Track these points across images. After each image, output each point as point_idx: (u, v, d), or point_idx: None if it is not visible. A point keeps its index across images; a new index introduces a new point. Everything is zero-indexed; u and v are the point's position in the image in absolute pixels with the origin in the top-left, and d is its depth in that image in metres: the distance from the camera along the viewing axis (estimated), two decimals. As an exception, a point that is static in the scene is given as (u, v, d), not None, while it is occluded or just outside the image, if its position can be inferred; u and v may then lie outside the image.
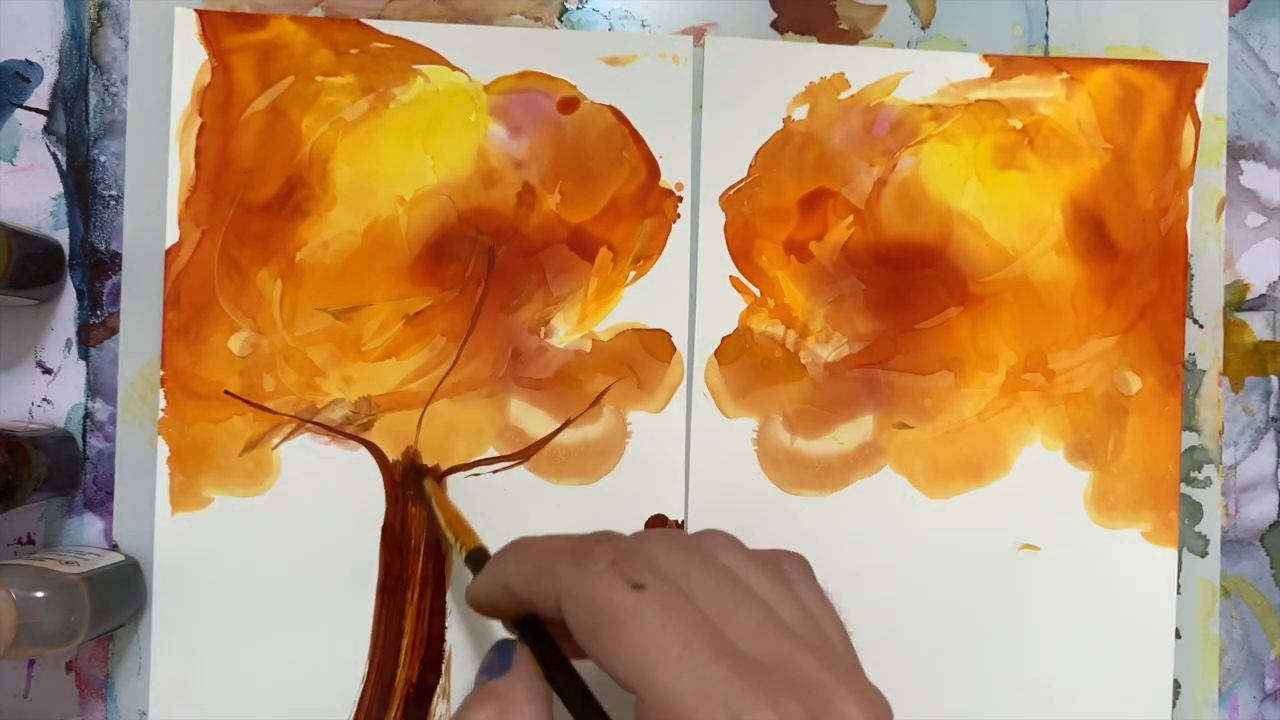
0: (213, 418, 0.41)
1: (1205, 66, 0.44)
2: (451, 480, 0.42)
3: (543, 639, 0.27)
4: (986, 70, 0.44)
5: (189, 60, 0.42)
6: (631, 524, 0.42)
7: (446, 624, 0.42)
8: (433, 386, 0.42)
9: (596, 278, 0.43)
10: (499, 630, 0.41)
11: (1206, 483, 0.45)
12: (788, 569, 0.27)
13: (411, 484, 0.42)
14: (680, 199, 0.43)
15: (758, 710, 0.21)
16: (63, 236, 0.42)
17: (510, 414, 0.42)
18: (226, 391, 0.41)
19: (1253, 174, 0.45)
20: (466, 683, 0.41)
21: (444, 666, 0.41)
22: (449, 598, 0.42)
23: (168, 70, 0.42)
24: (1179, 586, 0.44)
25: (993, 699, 0.43)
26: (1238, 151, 0.45)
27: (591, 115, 0.43)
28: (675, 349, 0.43)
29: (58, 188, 0.42)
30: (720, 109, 0.43)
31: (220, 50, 0.42)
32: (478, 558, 0.35)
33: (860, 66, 0.44)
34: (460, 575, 0.42)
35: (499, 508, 0.42)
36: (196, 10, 0.42)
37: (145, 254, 0.42)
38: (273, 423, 0.41)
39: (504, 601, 0.27)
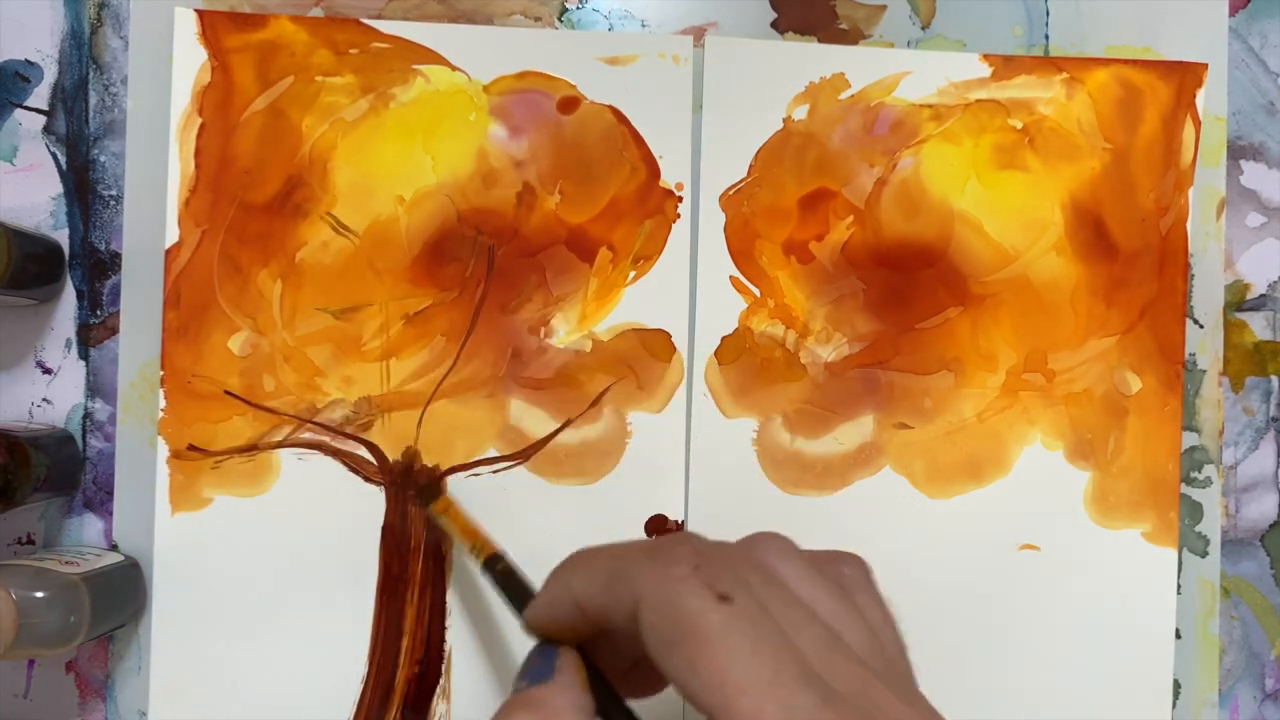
0: (213, 418, 0.41)
1: (1205, 66, 0.44)
2: (451, 480, 0.42)
3: (591, 669, 0.26)
4: (986, 70, 0.44)
5: (189, 60, 0.42)
6: (632, 524, 0.42)
7: (446, 624, 0.42)
8: (433, 386, 0.42)
9: (596, 278, 0.43)
10: (500, 632, 0.41)
11: (1206, 483, 0.45)
12: (847, 573, 0.26)
13: (421, 504, 0.41)
14: (680, 199, 0.43)
15: None
16: (63, 236, 0.42)
17: (510, 414, 0.42)
18: (226, 391, 0.41)
19: (1253, 174, 0.45)
20: (467, 683, 0.41)
21: (444, 666, 0.41)
22: (449, 598, 0.42)
23: (168, 70, 0.42)
24: (1179, 586, 0.44)
25: (993, 699, 0.43)
26: (1238, 151, 0.45)
27: (591, 115, 0.43)
28: (675, 349, 0.43)
29: (58, 188, 0.42)
30: (720, 109, 0.43)
31: (220, 50, 0.42)
32: (495, 565, 0.34)
33: (860, 66, 0.44)
34: (461, 575, 0.42)
35: (499, 508, 0.42)
36: (196, 10, 0.42)
37: (145, 254, 0.42)
38: (273, 423, 0.41)
39: (569, 619, 0.25)
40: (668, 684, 0.27)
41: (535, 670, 0.25)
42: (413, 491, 0.42)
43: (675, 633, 0.22)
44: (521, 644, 0.41)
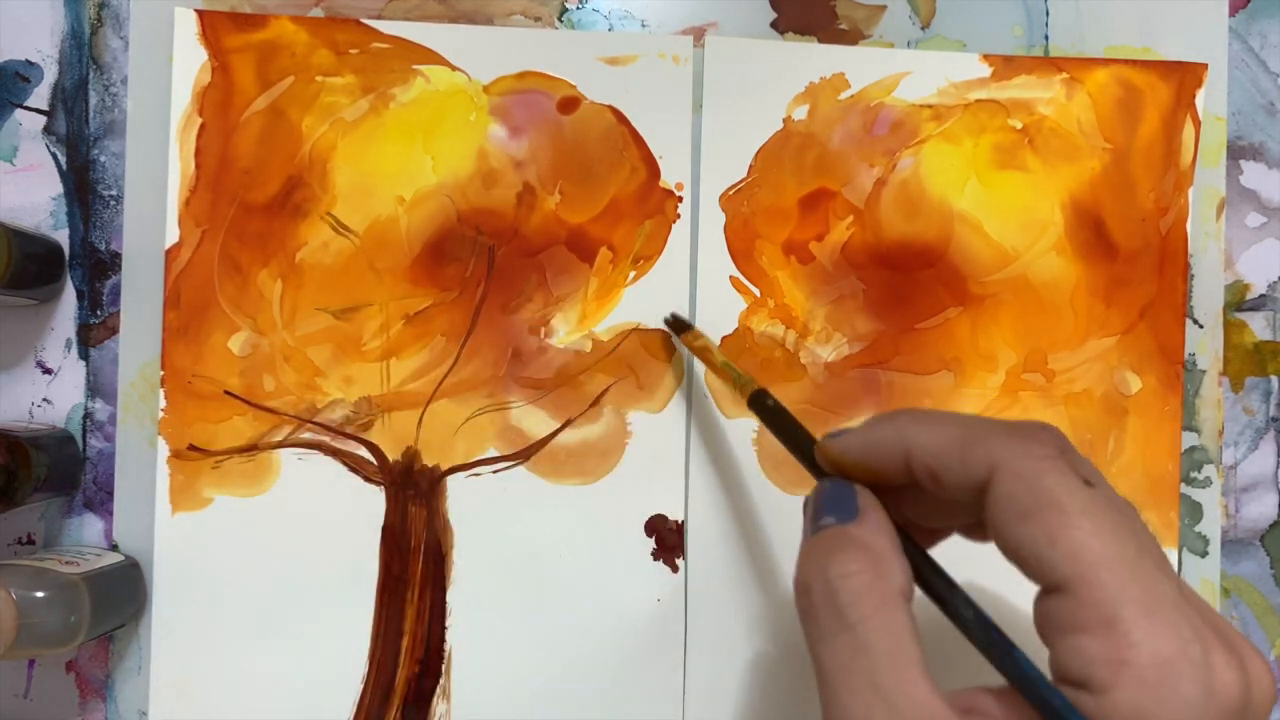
0: (213, 418, 0.41)
1: (1205, 66, 0.44)
2: (451, 480, 0.42)
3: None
4: (986, 70, 0.44)
5: (189, 60, 0.42)
6: (631, 524, 0.42)
7: (446, 624, 0.42)
8: (433, 386, 0.42)
9: (596, 278, 0.43)
10: (500, 632, 0.41)
11: (1206, 483, 0.45)
12: None
13: (673, 332, 0.42)
14: (680, 199, 0.43)
15: (1208, 639, 0.21)
16: (63, 236, 0.42)
17: (510, 414, 0.42)
18: (226, 391, 0.41)
19: (1253, 174, 0.45)
20: (467, 682, 0.41)
21: (444, 666, 0.41)
22: (449, 598, 0.42)
23: (168, 70, 0.42)
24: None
25: (993, 699, 0.43)
26: (1238, 151, 0.45)
27: (591, 115, 0.43)
28: (675, 349, 0.43)
29: (58, 188, 0.42)
30: (720, 109, 0.43)
31: (220, 50, 0.42)
32: (763, 400, 0.34)
33: (860, 66, 0.44)
34: (461, 575, 0.42)
35: (499, 508, 0.42)
36: (196, 10, 0.42)
37: (145, 254, 0.42)
38: (273, 423, 0.41)
39: (886, 463, 0.26)
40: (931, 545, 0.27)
41: (838, 508, 0.25)
42: (666, 322, 0.42)
43: (1035, 504, 0.22)
44: (524, 643, 0.42)
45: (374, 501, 0.42)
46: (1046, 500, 0.22)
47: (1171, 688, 0.20)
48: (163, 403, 0.41)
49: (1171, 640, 0.21)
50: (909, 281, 0.43)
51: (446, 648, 0.42)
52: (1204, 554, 0.45)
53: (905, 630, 0.23)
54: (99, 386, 0.42)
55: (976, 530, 0.27)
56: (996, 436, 0.24)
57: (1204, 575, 0.44)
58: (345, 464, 0.42)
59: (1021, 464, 0.23)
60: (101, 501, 0.42)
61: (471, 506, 0.42)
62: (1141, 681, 0.20)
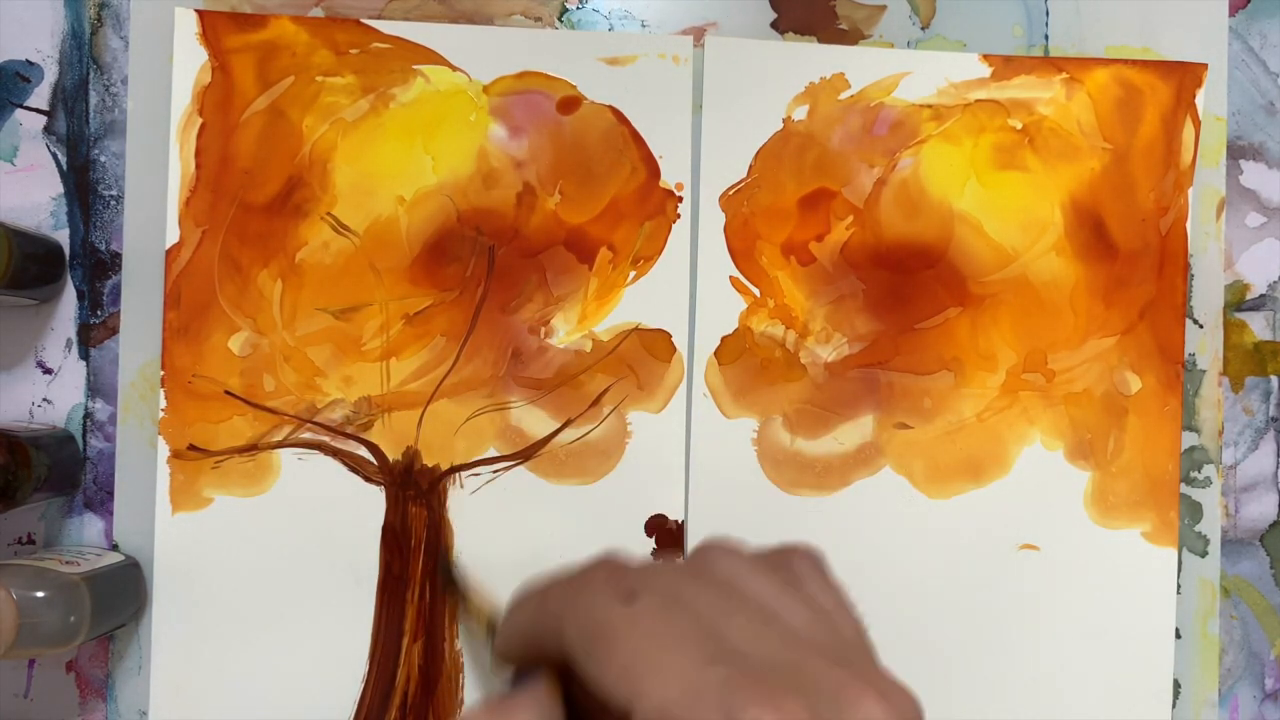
0: (213, 418, 0.41)
1: (1205, 66, 0.44)
2: (451, 480, 0.42)
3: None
4: (986, 70, 0.44)
5: (189, 60, 0.42)
6: (631, 524, 0.42)
7: (447, 623, 0.42)
8: (433, 386, 0.42)
9: (596, 278, 0.43)
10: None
11: (1206, 483, 0.45)
12: (796, 566, 0.27)
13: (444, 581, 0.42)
14: (680, 199, 0.43)
15: (753, 709, 0.20)
16: (63, 236, 0.42)
17: (510, 414, 0.42)
18: (227, 391, 0.41)
19: (1253, 174, 0.45)
20: (469, 682, 0.41)
21: (445, 666, 0.41)
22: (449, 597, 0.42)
23: (168, 70, 0.42)
24: (1179, 586, 0.44)
25: (993, 699, 0.43)
26: (1238, 151, 0.45)
27: (591, 115, 0.43)
28: (675, 349, 0.43)
29: (58, 188, 0.42)
30: (720, 109, 0.43)
31: (220, 50, 0.42)
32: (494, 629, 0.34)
33: (860, 66, 0.44)
34: (462, 574, 0.42)
35: (499, 508, 0.42)
36: (197, 10, 0.42)
37: (145, 254, 0.42)
38: (273, 423, 0.41)
39: (520, 651, 0.26)
40: None
41: (516, 683, 0.25)
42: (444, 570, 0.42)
43: (587, 639, 0.23)
44: (521, 644, 0.42)
45: (374, 501, 0.42)
46: (595, 632, 0.22)
47: None
48: (163, 403, 0.41)
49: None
50: (909, 282, 0.43)
51: (447, 647, 0.42)
52: (1204, 554, 0.45)
53: None
54: (99, 386, 0.42)
55: None
56: (555, 590, 0.25)
57: (1204, 575, 0.44)
58: (345, 464, 0.42)
59: (573, 608, 0.23)
60: (101, 501, 0.42)
61: (472, 506, 0.42)
62: None
